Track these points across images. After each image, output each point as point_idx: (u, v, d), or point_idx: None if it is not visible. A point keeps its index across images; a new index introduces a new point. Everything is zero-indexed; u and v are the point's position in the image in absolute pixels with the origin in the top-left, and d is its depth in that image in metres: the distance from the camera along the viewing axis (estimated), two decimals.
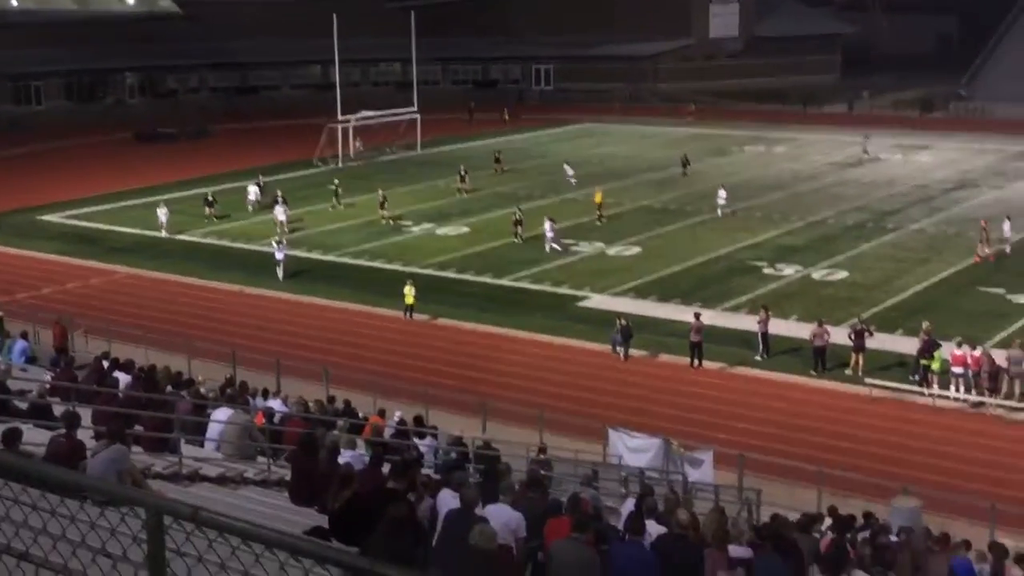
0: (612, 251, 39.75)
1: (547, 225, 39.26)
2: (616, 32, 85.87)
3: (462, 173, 50.61)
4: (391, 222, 43.61)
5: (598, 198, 44.52)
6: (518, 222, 40.68)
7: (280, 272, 36.46)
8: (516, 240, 40.38)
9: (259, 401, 20.31)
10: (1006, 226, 38.40)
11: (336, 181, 45.91)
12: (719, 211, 44.22)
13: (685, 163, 54.58)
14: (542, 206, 46.49)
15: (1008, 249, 37.93)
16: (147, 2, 76.23)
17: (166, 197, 46.90)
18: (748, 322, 29.96)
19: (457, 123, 73.14)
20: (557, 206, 45.43)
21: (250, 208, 46.18)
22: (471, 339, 30.76)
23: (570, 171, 50.96)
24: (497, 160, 55.31)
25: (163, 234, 42.61)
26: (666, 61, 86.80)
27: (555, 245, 38.94)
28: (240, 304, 34.32)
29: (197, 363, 26.46)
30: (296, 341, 30.32)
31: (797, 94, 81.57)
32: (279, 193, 44.69)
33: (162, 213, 42.92)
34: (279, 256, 36.69)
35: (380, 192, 45.21)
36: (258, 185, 47.80)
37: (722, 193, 44.79)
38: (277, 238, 39.14)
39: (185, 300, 34.82)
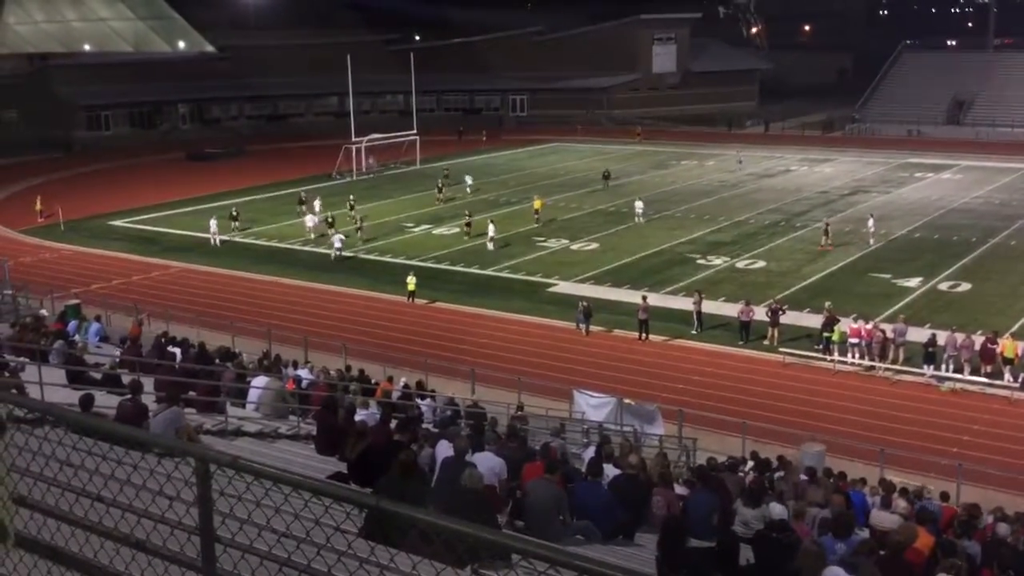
0: (575, 246, 39.77)
1: (490, 227, 38.89)
2: (577, 69, 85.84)
3: (439, 185, 50.14)
4: (359, 223, 41.46)
5: (537, 204, 43.98)
6: (468, 224, 40.38)
7: (339, 252, 37.26)
8: (466, 239, 40.00)
9: (290, 370, 20.22)
10: (870, 222, 38.84)
11: (352, 197, 44.69)
12: (637, 219, 43.36)
13: (606, 176, 53.57)
14: (515, 211, 46.47)
15: (872, 241, 38.12)
16: (194, 45, 75.31)
17: (211, 206, 46.51)
18: (685, 303, 30.04)
19: (449, 142, 72.91)
20: (523, 212, 45.38)
21: (309, 226, 42.12)
22: (462, 319, 30.72)
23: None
24: (445, 177, 53.07)
25: (216, 242, 40.70)
26: (618, 92, 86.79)
27: (490, 246, 38.30)
28: (274, 292, 34.14)
29: (239, 340, 26.33)
30: (320, 321, 30.21)
31: (723, 118, 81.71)
32: (317, 208, 43.64)
33: (213, 224, 41.24)
34: (337, 244, 37.47)
35: (351, 198, 44.44)
36: (301, 201, 45.43)
37: (639, 205, 43.90)
38: (334, 231, 39.23)
39: (229, 289, 34.61)
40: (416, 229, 43.75)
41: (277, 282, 35.39)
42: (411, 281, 32.04)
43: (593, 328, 28.92)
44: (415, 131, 62.01)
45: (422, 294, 32.42)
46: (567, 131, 78.36)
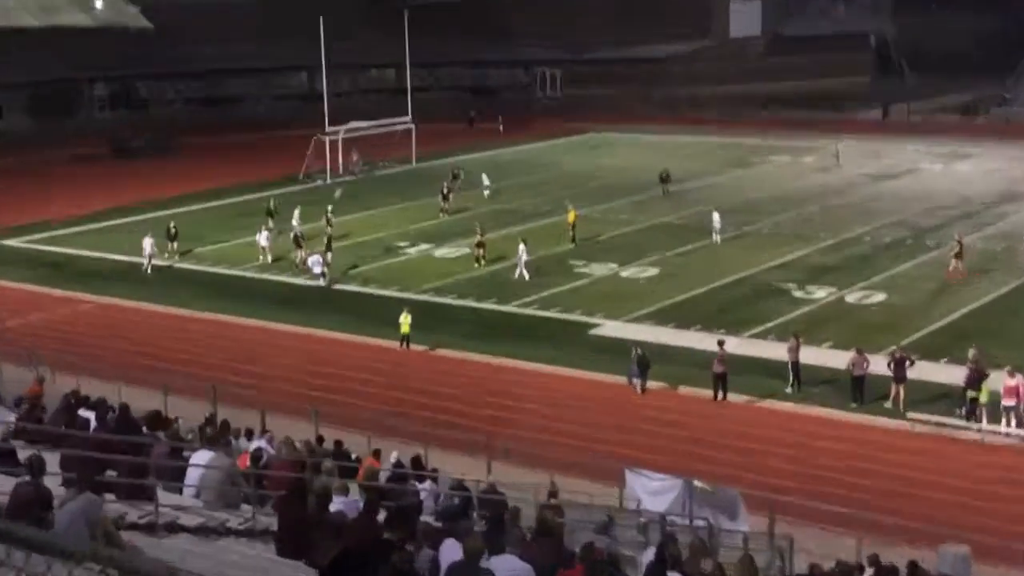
0: (626, 273, 39.81)
1: (520, 249, 38.95)
2: (629, 33, 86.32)
3: (444, 191, 50.41)
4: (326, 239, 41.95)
5: (571, 216, 44.28)
6: (480, 244, 40.64)
7: (323, 280, 38.48)
8: (477, 265, 40.41)
9: (242, 442, 20.26)
10: None
11: (330, 209, 45.07)
12: (715, 236, 43.47)
13: (665, 179, 53.53)
14: (544, 225, 46.68)
15: None
16: (114, 12, 77.19)
17: (137, 219, 46.98)
18: (777, 350, 29.93)
19: (455, 133, 73.52)
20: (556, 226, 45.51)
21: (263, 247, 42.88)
22: (473, 371, 30.74)
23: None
24: (455, 178, 54.21)
25: (148, 268, 41.05)
26: (682, 63, 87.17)
27: (524, 272, 38.64)
28: (221, 335, 34.35)
29: (174, 400, 26.39)
30: (282, 374, 30.30)
31: (827, 98, 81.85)
32: (296, 222, 43.79)
33: (147, 244, 41.29)
34: (317, 270, 38.23)
35: (328, 208, 44.71)
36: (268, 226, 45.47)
37: (715, 217, 43.87)
38: (307, 253, 40.13)
39: (162, 332, 34.85)
40: (412, 250, 43.98)
41: (225, 322, 35.62)
42: (405, 320, 32.19)
43: (651, 384, 28.84)
44: (410, 118, 62.63)
45: (419, 337, 32.52)
46: (614, 117, 78.85)
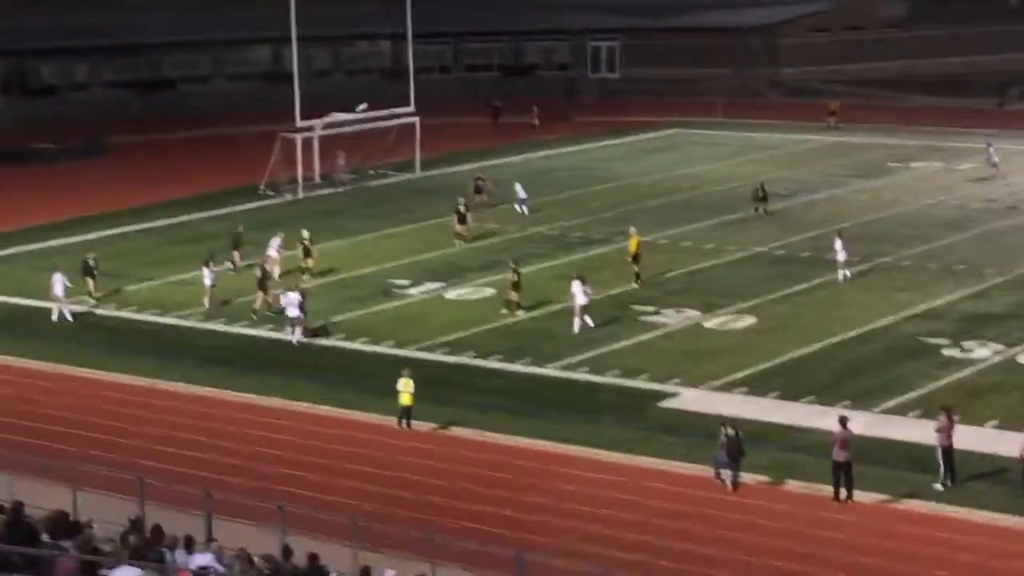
0: (711, 323, 39.66)
1: (576, 288, 38.98)
2: None
3: (461, 210, 50.56)
4: (304, 276, 43.95)
5: (633, 244, 44.09)
6: (515, 284, 40.65)
7: (293, 334, 38.32)
8: (505, 311, 40.60)
9: (180, 555, 20.20)
10: None
11: (306, 235, 45.28)
12: (840, 273, 43.41)
13: (760, 197, 53.73)
14: (598, 256, 46.66)
15: None
16: None
17: (43, 246, 47.17)
18: (921, 431, 29.67)
19: (474, 129, 73.74)
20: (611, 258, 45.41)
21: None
22: (499, 458, 30.54)
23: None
24: (478, 191, 55.27)
25: (63, 316, 41.35)
26: (792, 34, 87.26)
27: (586, 320, 38.85)
28: (150, 407, 34.32)
29: (87, 497, 26.39)
30: (234, 462, 30.17)
31: (989, 82, 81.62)
32: (274, 250, 44.82)
33: (58, 283, 41.27)
34: (292, 313, 37.96)
35: (304, 234, 45.18)
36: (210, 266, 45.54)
37: (839, 245, 43.57)
38: (284, 285, 40.79)
39: (70, 402, 34.82)
40: (414, 290, 44.03)
41: (158, 389, 35.63)
42: (405, 387, 32.03)
43: (745, 477, 28.60)
44: (412, 108, 62.75)
45: (425, 411, 32.41)
46: (695, 107, 78.81)
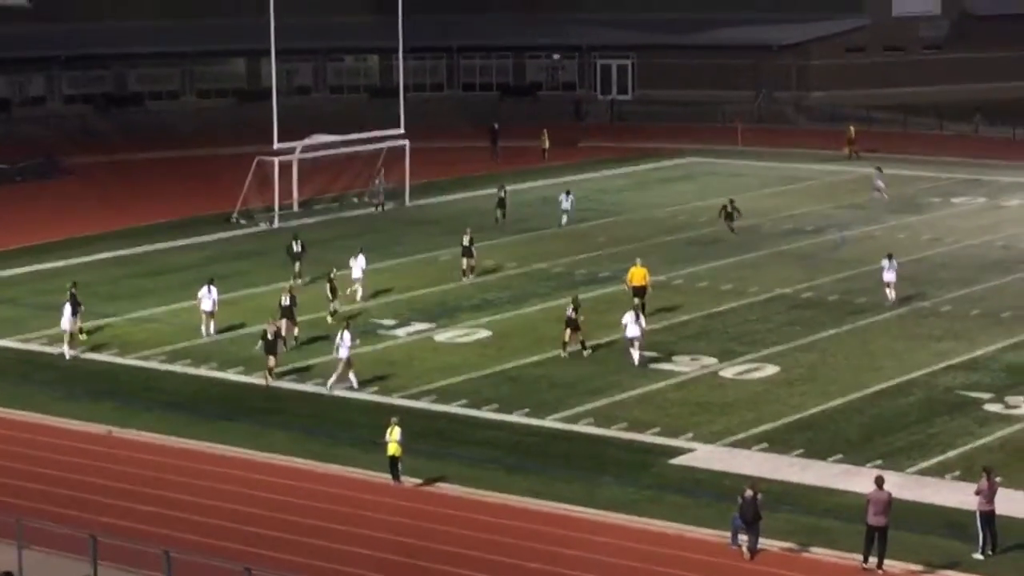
0: (730, 371, 39.57)
1: (628, 319, 39.51)
2: (735, 10, 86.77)
3: (466, 243, 50.58)
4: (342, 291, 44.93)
5: (639, 276, 44.42)
6: (572, 322, 40.75)
7: (348, 379, 38.25)
8: (564, 354, 40.72)
9: None
10: None
11: (334, 273, 45.67)
12: (889, 293, 45.32)
13: (728, 214, 56.05)
14: (603, 295, 46.66)
15: None
16: None
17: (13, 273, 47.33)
18: (960, 494, 29.56)
19: (472, 154, 73.83)
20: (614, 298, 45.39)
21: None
22: (495, 519, 30.34)
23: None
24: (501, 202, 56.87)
25: (66, 354, 41.70)
26: (822, 54, 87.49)
27: (642, 354, 39.28)
28: (107, 457, 34.19)
29: (34, 556, 26.33)
30: (197, 519, 30.02)
31: None
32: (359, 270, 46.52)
33: (66, 318, 41.70)
34: (342, 353, 37.92)
35: (332, 273, 45.52)
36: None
37: (889, 272, 45.31)
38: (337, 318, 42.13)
39: (16, 449, 34.71)
40: (400, 331, 44.04)
41: (112, 434, 35.48)
42: (393, 436, 31.91)
43: (765, 543, 28.52)
44: (402, 131, 62.85)
45: (409, 466, 32.30)
46: (714, 133, 78.91)
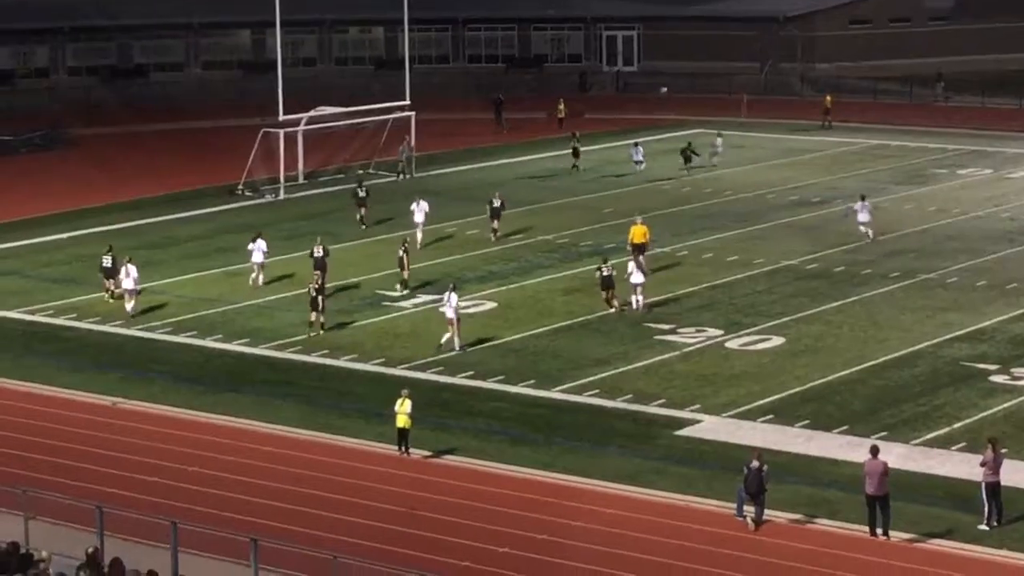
0: (736, 343, 39.66)
1: (632, 267, 40.98)
2: None
3: (495, 204, 51.14)
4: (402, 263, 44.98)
5: (639, 234, 45.43)
6: (607, 279, 41.48)
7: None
8: (613, 310, 41.68)
9: None
10: None
11: (362, 223, 46.30)
12: (865, 231, 47.78)
13: (687, 157, 60.97)
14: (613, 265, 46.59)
15: None
16: None
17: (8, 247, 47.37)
18: (964, 465, 29.67)
19: (476, 126, 73.66)
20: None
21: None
22: (501, 489, 30.48)
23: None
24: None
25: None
26: (827, 25, 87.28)
27: (645, 301, 40.40)
28: (111, 427, 34.28)
29: (40, 527, 26.40)
30: (204, 490, 30.12)
31: None
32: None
33: (131, 274, 42.61)
34: (449, 314, 38.90)
35: (403, 246, 45.43)
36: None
37: (862, 211, 47.68)
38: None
39: (23, 420, 34.82)
40: (407, 304, 44.24)
41: (117, 405, 35.61)
42: (402, 408, 31.83)
43: (771, 514, 28.55)
44: (408, 102, 62.76)
45: (417, 438, 32.33)
46: (720, 104, 78.77)
